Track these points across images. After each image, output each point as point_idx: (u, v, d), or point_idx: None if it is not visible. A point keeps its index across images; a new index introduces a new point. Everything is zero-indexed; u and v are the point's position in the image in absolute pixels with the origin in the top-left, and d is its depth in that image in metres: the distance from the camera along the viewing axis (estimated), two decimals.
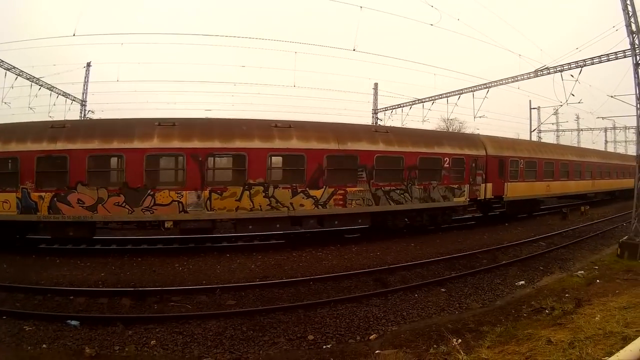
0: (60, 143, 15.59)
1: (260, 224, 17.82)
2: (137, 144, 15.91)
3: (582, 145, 52.88)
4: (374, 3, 26.05)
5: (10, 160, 15.68)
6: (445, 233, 22.16)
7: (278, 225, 18.17)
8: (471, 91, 36.28)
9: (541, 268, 16.25)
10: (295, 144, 17.83)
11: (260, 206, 17.07)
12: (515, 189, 26.33)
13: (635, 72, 17.62)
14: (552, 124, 60.20)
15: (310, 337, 9.98)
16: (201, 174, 16.35)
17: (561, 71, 28.54)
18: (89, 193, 15.58)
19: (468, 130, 51.84)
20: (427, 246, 19.23)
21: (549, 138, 60.83)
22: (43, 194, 15.44)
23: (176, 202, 16.10)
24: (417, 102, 41.66)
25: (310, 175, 17.93)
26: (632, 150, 56.35)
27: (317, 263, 16.34)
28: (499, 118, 47.41)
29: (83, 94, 38.18)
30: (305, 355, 9.03)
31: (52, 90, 35.19)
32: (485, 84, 35.38)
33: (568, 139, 63.86)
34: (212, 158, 16.79)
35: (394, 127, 23.18)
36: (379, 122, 45.30)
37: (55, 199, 15.47)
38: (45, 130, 16.07)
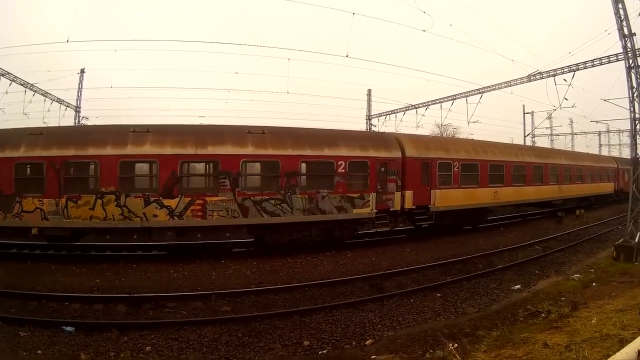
0: None
1: (116, 234, 17.55)
2: (7, 154, 15.92)
3: (577, 149, 52.59)
4: (366, 9, 26.12)
5: None
6: (440, 238, 22.10)
7: (135, 237, 17.93)
8: (465, 96, 36.41)
9: (537, 272, 16.28)
10: (148, 149, 16.49)
11: (113, 215, 16.05)
12: (447, 197, 22.59)
13: (628, 75, 17.73)
14: (546, 128, 60.51)
15: (306, 342, 9.95)
16: (58, 182, 15.89)
17: (554, 75, 28.65)
18: None
19: (462, 136, 52.01)
20: (422, 251, 19.26)
21: (543, 142, 61.22)
22: None
23: (39, 210, 15.81)
24: (410, 107, 41.86)
25: (163, 183, 16.46)
26: (626, 154, 56.74)
27: (312, 269, 16.35)
28: (493, 123, 47.56)
29: (77, 100, 38.20)
30: None
31: (46, 97, 35.22)
32: (478, 89, 35.55)
33: (562, 143, 64.22)
34: (69, 165, 16.30)
35: (276, 127, 19.64)
36: (373, 128, 45.55)
37: None
38: None
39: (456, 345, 8.35)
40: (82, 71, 37.79)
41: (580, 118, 49.14)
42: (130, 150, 16.34)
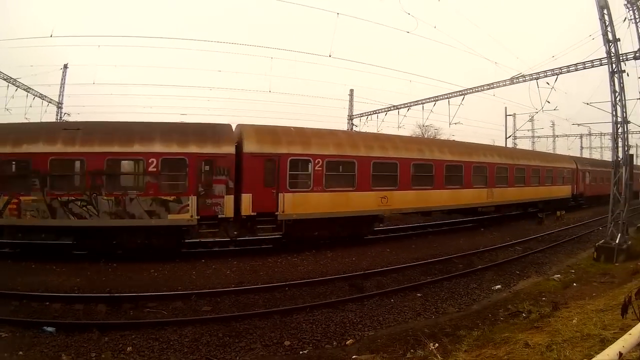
0: None
1: None
2: None
3: (559, 152, 53.03)
4: (350, 10, 26.16)
5: None
6: (419, 238, 22.18)
7: None
8: (447, 98, 36.38)
9: (517, 272, 16.51)
10: None
11: None
12: (304, 203, 18.76)
13: (611, 79, 18.12)
14: (528, 130, 61.50)
15: (287, 342, 9.96)
16: None
17: (537, 79, 28.68)
18: None
19: (443, 137, 52.31)
20: (402, 251, 19.39)
21: (524, 144, 62.13)
22: None
23: None
24: (392, 108, 41.88)
25: None
26: (607, 156, 57.55)
27: (292, 269, 16.37)
28: (475, 125, 47.94)
29: (59, 96, 37.60)
30: None
31: (28, 92, 34.51)
32: (460, 91, 35.62)
33: (544, 145, 65.21)
34: None
35: (92, 122, 18.31)
36: (355, 128, 45.63)
37: None
38: None
39: (437, 345, 8.38)
40: (65, 67, 37.25)
41: (563, 121, 49.83)
42: None
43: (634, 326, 4.17)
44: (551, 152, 55.06)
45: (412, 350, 8.48)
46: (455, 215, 29.23)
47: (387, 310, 12.10)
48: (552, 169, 34.60)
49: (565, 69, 26.89)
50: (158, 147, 16.66)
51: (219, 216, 17.24)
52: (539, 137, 66.54)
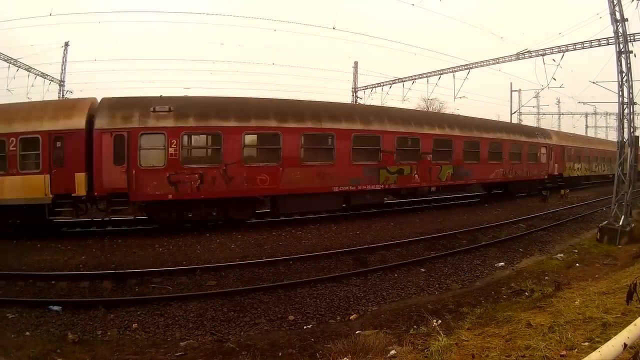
0: None
1: None
2: None
3: (564, 130, 52.47)
4: None
5: None
6: (423, 212, 22.15)
7: None
8: (452, 72, 35.91)
9: (521, 250, 16.46)
10: None
11: None
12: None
13: (618, 59, 17.84)
14: (533, 107, 60.92)
15: (291, 317, 10.05)
16: None
17: (543, 55, 28.21)
18: None
19: (448, 111, 51.94)
20: (406, 226, 19.35)
21: (529, 121, 61.63)
22: None
23: None
24: (397, 81, 41.46)
25: None
26: (612, 136, 57.32)
27: (296, 242, 16.39)
28: (480, 99, 47.60)
29: (61, 74, 37.37)
30: (286, 336, 9.01)
31: (30, 71, 34.33)
32: (466, 65, 35.11)
33: (549, 123, 64.75)
34: None
35: None
36: (359, 101, 45.30)
37: None
38: None
39: (440, 321, 8.43)
40: (67, 44, 36.96)
41: (568, 99, 49.45)
42: None
43: (635, 312, 4.17)
44: (555, 129, 54.51)
45: (415, 327, 8.49)
46: (457, 190, 28.40)
47: (391, 285, 12.15)
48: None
49: (572, 47, 26.49)
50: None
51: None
52: (544, 113, 65.95)
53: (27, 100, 24.67)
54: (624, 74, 17.85)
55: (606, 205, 22.85)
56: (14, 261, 13.21)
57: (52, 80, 36.96)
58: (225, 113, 17.60)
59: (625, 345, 3.14)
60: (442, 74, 36.79)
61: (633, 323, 3.56)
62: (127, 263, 13.32)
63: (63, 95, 37.13)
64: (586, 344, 5.15)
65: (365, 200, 21.15)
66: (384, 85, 43.05)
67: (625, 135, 18.41)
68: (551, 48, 27.89)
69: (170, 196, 16.62)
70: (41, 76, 35.71)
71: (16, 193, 15.55)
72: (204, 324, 9.59)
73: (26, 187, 15.61)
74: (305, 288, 11.68)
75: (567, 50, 26.79)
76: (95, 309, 9.95)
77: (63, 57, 37.12)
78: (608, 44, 22.87)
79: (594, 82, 26.32)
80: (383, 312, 10.31)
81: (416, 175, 22.13)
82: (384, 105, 37.17)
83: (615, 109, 20.12)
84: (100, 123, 16.12)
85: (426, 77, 38.34)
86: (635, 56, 18.39)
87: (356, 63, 46.84)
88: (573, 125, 60.99)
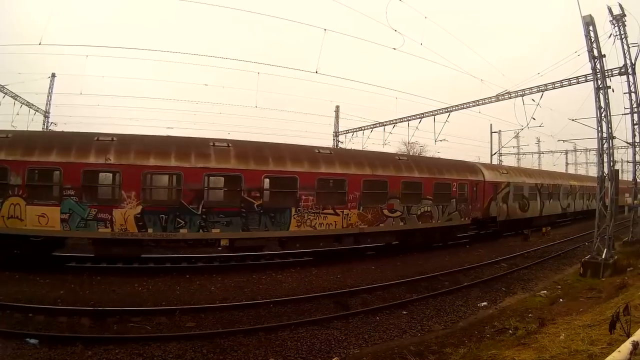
0: None
1: None
2: None
3: (544, 168, 53.31)
4: (337, 26, 26.31)
5: None
6: (405, 255, 22.19)
7: None
8: (433, 115, 36.72)
9: (503, 289, 16.62)
10: None
11: None
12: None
13: (597, 95, 18.53)
14: (513, 147, 62.10)
15: None
16: None
17: (522, 95, 29.11)
18: None
19: (429, 154, 52.63)
20: (388, 269, 19.36)
21: (510, 161, 62.65)
22: None
23: None
24: (378, 125, 42.27)
25: None
26: (593, 172, 58.29)
27: (277, 285, 16.29)
28: (461, 142, 48.33)
29: (46, 105, 37.48)
30: None
31: (15, 99, 34.46)
32: (446, 108, 35.96)
33: (529, 162, 66.00)
34: None
35: None
36: (340, 145, 45.85)
37: None
38: None
39: None
40: (53, 75, 37.23)
41: (548, 137, 50.34)
42: None
43: (621, 341, 4.27)
44: (528, 167, 55.27)
45: None
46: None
47: (373, 327, 12.11)
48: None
49: (551, 86, 27.33)
50: None
51: None
52: (524, 153, 67.54)
53: (12, 129, 24.35)
54: (602, 110, 18.46)
55: (588, 240, 23.04)
56: None
57: (37, 111, 36.95)
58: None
59: None
60: (423, 117, 37.62)
61: (617, 350, 3.68)
62: (106, 301, 13.11)
63: (47, 126, 37.05)
64: None
65: None
66: (365, 130, 43.80)
67: (605, 170, 18.82)
68: (530, 88, 28.81)
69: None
70: (27, 105, 35.75)
71: None
72: None
73: None
74: (286, 331, 11.57)
75: (547, 90, 27.65)
76: (73, 345, 9.74)
77: (49, 88, 37.27)
78: (587, 81, 23.73)
79: (573, 120, 27.11)
80: (365, 354, 10.24)
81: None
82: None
83: (594, 144, 20.57)
84: None
85: (407, 120, 39.21)
86: (613, 91, 19.09)
87: (337, 107, 47.95)
88: (553, 164, 62.72)
